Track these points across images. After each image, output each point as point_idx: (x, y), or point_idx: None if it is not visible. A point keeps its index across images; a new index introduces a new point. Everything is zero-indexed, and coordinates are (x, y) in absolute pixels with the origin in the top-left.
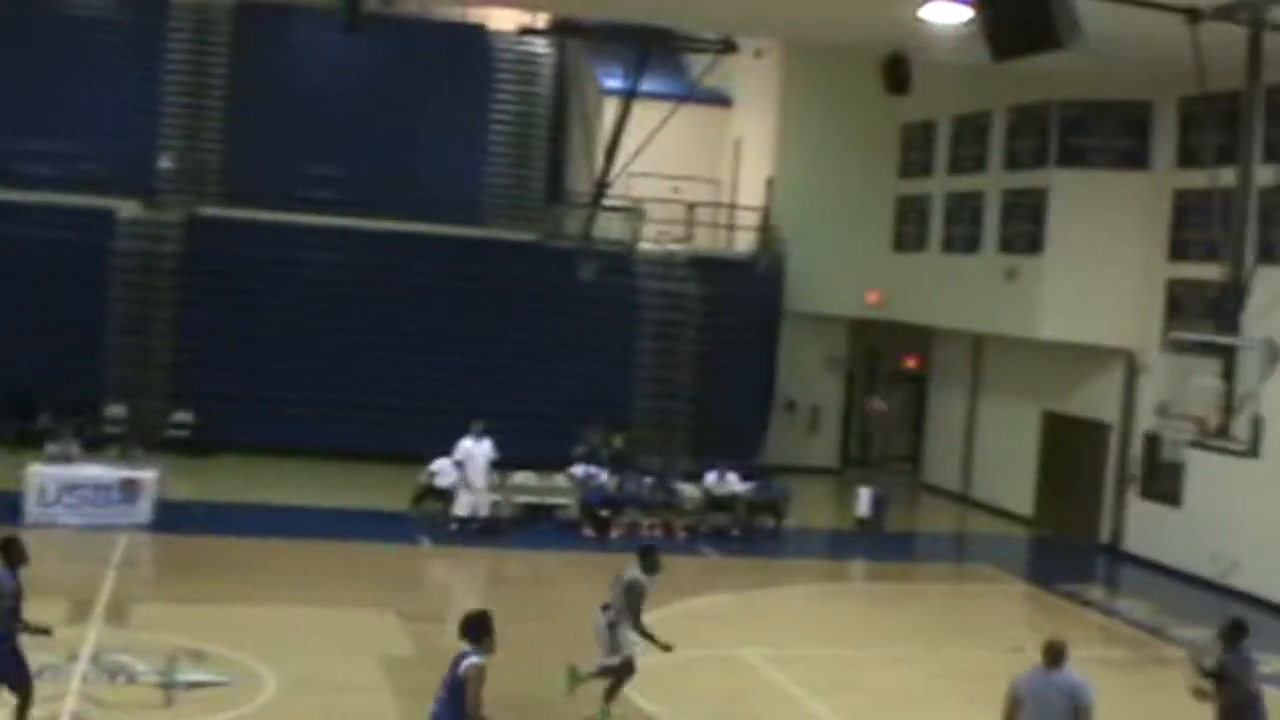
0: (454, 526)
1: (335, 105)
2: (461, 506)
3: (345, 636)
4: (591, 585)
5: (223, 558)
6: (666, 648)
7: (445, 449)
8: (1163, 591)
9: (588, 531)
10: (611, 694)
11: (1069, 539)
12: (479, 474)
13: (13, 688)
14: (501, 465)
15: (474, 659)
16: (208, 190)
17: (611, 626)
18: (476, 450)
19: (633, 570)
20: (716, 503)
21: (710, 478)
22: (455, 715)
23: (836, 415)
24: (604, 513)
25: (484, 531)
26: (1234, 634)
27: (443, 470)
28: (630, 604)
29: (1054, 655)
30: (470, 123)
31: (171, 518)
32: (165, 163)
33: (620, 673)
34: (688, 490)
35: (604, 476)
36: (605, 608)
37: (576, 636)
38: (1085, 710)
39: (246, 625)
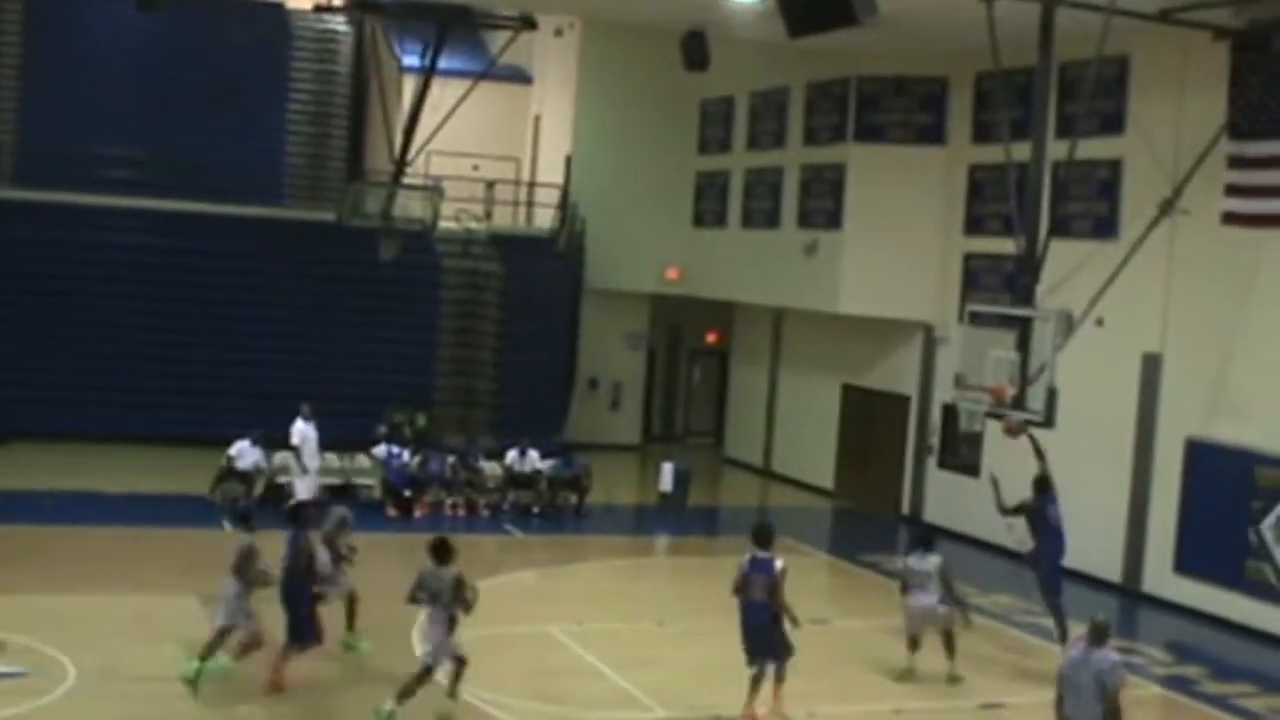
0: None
1: (131, 84)
2: (303, 490)
3: (146, 623)
4: (397, 567)
5: (18, 546)
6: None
7: (245, 431)
8: (962, 560)
9: (391, 511)
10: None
11: (870, 511)
12: (313, 456)
13: None
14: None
15: None
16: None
17: None
18: (309, 432)
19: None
20: (519, 480)
21: (512, 455)
22: None
23: (638, 392)
24: (407, 492)
25: None
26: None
27: (241, 452)
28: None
29: (1097, 634)
30: (268, 101)
31: None
32: None
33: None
34: (490, 468)
35: (406, 456)
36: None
37: (380, 621)
38: (1111, 692)
39: (45, 615)
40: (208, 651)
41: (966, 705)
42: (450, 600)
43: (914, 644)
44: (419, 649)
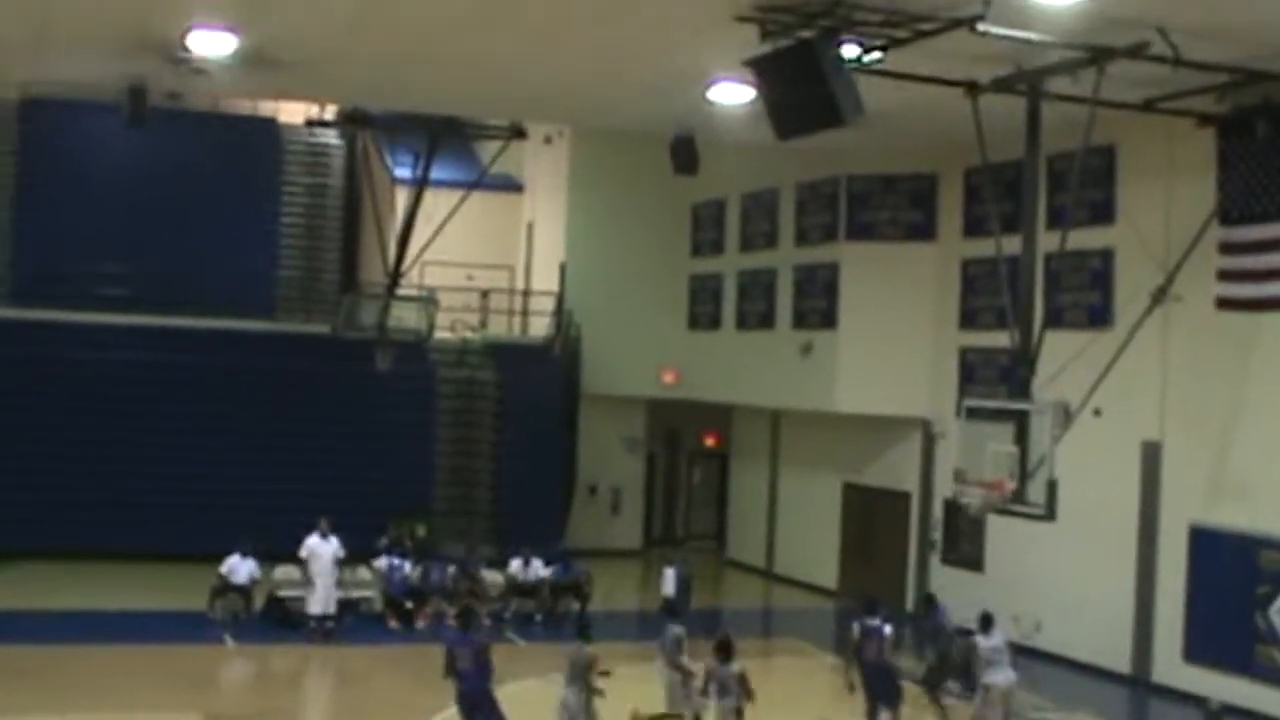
0: (311, 625)
1: (123, 200)
2: (314, 604)
3: None
4: (404, 679)
5: (16, 667)
6: None
7: (241, 546)
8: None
9: (392, 623)
10: None
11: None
12: (325, 572)
13: None
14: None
15: None
16: None
17: None
18: (322, 548)
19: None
20: (521, 589)
21: (514, 564)
22: None
23: (638, 496)
24: (409, 603)
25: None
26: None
27: (234, 567)
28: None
29: None
30: (261, 215)
31: None
32: None
33: None
34: (492, 577)
35: (407, 567)
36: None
37: None
38: None
39: None
40: None
41: None
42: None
43: None
44: None
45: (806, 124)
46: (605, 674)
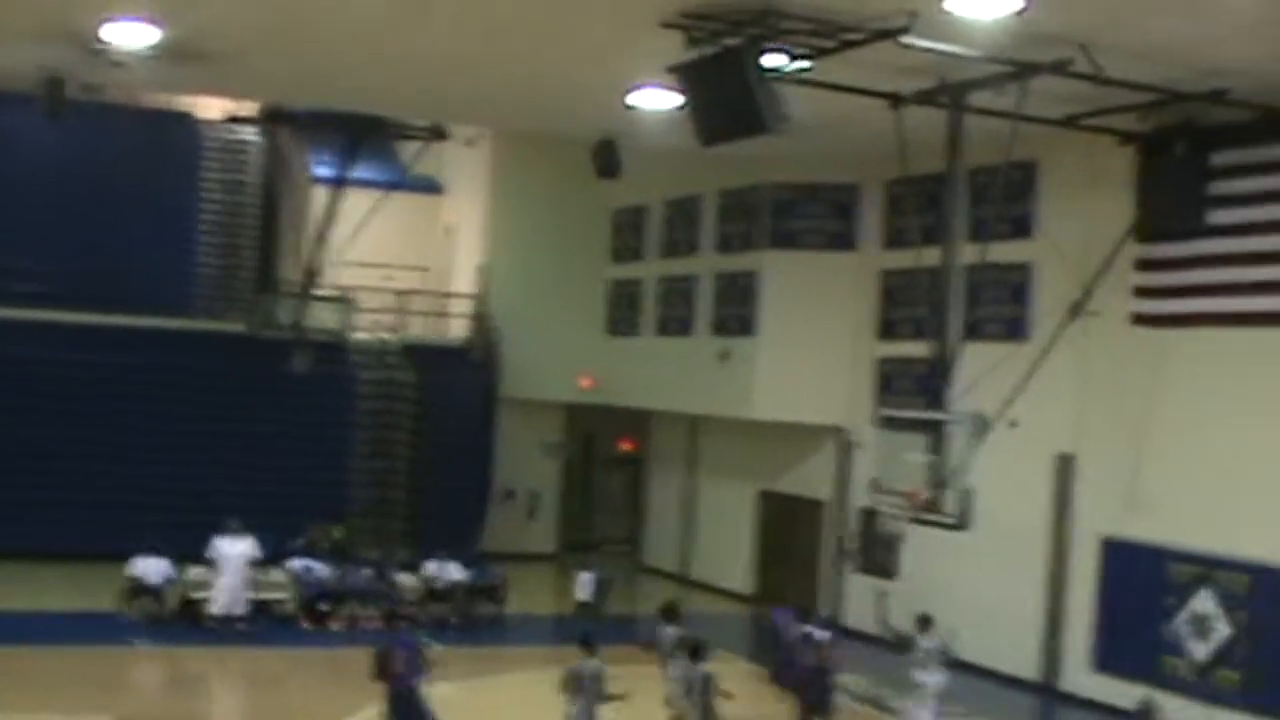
0: (211, 624)
1: (38, 195)
2: (215, 604)
3: None
4: (316, 685)
5: None
6: None
7: (152, 545)
8: (882, 663)
9: (306, 625)
10: None
11: None
12: (232, 571)
13: None
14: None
15: None
16: None
17: None
18: (229, 549)
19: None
20: (436, 593)
21: (430, 567)
22: None
23: (554, 501)
24: (323, 606)
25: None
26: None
27: (145, 569)
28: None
29: None
30: (178, 212)
31: None
32: None
33: None
34: (407, 580)
35: (320, 568)
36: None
37: None
38: None
39: None
40: None
41: None
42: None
43: None
44: None
45: (730, 131)
46: (618, 697)
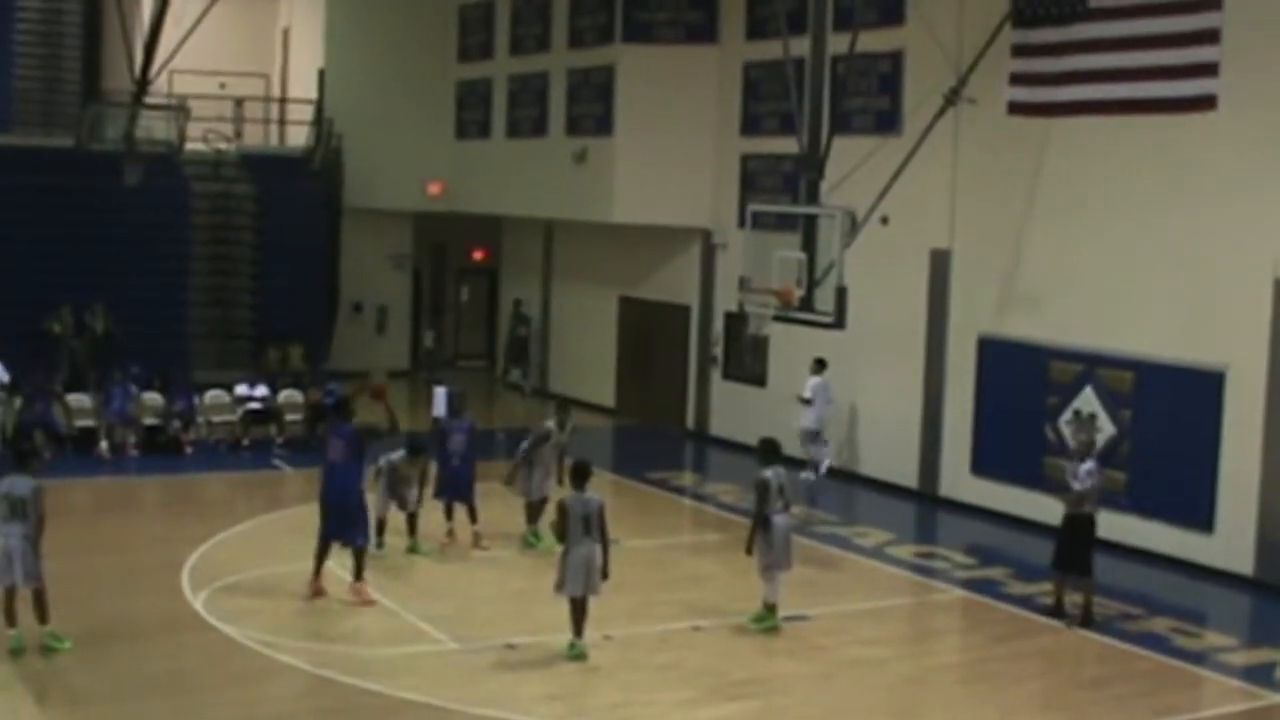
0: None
1: None
2: None
3: None
4: (154, 513)
5: None
6: None
7: None
8: (750, 473)
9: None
10: None
11: (655, 427)
12: None
13: None
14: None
15: None
16: None
17: None
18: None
19: None
20: (270, 411)
21: (242, 389)
22: None
23: (405, 314)
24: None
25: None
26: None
27: None
28: None
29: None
30: None
31: None
32: None
33: None
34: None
35: (137, 393)
36: None
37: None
38: None
39: None
40: None
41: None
42: None
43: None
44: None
45: None
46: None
